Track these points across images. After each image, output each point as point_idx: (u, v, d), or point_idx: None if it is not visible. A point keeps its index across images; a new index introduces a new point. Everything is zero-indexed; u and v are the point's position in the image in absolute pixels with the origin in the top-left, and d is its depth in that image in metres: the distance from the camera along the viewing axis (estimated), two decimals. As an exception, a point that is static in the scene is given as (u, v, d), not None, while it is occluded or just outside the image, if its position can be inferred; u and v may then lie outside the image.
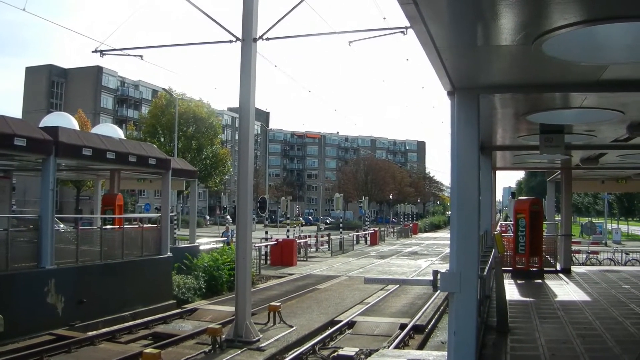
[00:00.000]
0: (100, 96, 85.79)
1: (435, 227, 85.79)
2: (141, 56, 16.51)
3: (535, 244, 15.18)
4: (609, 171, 17.81)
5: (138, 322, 14.62)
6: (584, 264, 23.71)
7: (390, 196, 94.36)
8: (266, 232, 38.38)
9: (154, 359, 9.96)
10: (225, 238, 33.40)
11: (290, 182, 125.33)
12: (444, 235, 63.25)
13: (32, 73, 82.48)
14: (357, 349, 11.79)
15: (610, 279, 14.86)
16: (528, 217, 15.24)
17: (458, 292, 5.78)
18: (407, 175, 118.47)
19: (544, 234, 16.67)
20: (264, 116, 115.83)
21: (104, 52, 15.67)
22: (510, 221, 28.95)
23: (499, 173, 18.89)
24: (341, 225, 47.58)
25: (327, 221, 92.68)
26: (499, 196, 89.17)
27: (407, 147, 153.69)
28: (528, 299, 12.14)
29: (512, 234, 16.99)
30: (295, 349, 12.15)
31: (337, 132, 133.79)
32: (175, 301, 17.12)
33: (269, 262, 28.99)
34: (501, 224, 36.66)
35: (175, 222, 28.66)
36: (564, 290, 13.26)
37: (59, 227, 16.63)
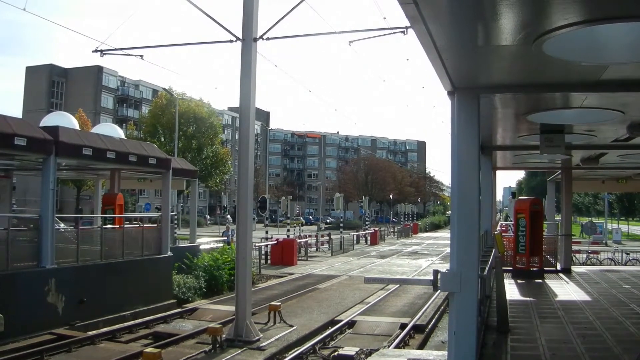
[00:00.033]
0: (100, 96, 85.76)
1: (435, 227, 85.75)
2: (141, 56, 16.51)
3: (535, 244, 15.18)
4: (609, 171, 17.81)
5: (138, 321, 14.62)
6: (584, 263, 23.71)
7: (391, 196, 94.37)
8: (266, 232, 38.38)
9: (154, 358, 9.96)
10: (226, 238, 33.42)
11: (291, 182, 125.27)
12: (444, 235, 63.26)
13: (32, 73, 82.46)
14: (357, 349, 11.78)
15: (610, 279, 14.87)
16: (528, 217, 15.24)
17: (458, 292, 5.78)
18: (408, 175, 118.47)
19: (545, 233, 16.69)
20: (264, 116, 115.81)
21: (104, 52, 15.67)
22: (511, 221, 28.95)
23: (499, 173, 18.91)
24: (341, 224, 47.60)
25: (328, 221, 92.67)
26: (499, 196, 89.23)
27: (407, 147, 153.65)
28: (528, 298, 12.15)
29: (512, 234, 17.00)
30: (296, 349, 12.15)
31: (338, 132, 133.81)
32: (175, 301, 17.12)
33: (269, 261, 28.99)
34: (501, 223, 36.70)
35: (176, 221, 28.69)
36: (564, 290, 13.27)
37: (59, 226, 16.62)
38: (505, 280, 10.51)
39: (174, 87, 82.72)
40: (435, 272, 5.86)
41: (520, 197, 24.05)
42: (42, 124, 16.20)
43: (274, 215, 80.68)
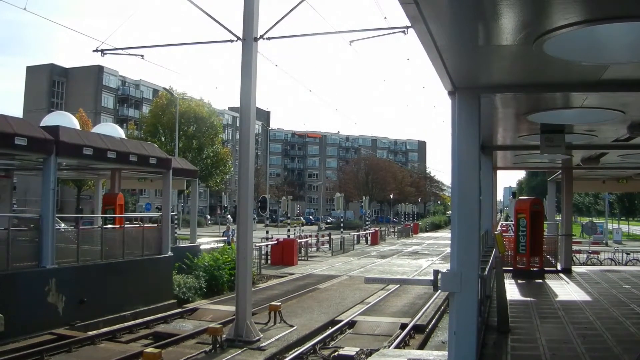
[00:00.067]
0: (101, 95, 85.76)
1: (436, 227, 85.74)
2: (142, 55, 16.54)
3: (536, 244, 15.17)
4: (609, 171, 17.80)
5: (139, 321, 14.63)
6: (584, 263, 23.70)
7: (391, 196, 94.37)
8: (267, 232, 38.38)
9: (154, 358, 9.96)
10: (226, 238, 33.43)
11: (291, 182, 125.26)
12: (445, 235, 63.24)
13: (33, 72, 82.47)
14: (357, 349, 11.78)
15: (610, 279, 14.86)
16: (529, 217, 15.24)
17: (459, 292, 5.78)
18: (408, 175, 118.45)
19: (545, 233, 16.67)
20: (264, 116, 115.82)
21: (104, 52, 15.69)
22: (511, 221, 28.94)
23: (499, 173, 18.92)
24: (342, 224, 47.59)
25: (328, 221, 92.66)
26: (499, 196, 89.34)
27: (407, 147, 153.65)
28: (529, 298, 12.15)
29: (512, 234, 16.98)
30: (296, 349, 12.15)
31: (338, 132, 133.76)
32: (175, 301, 17.13)
33: (269, 261, 29.00)
34: (502, 223, 36.66)
35: (176, 221, 28.68)
36: (564, 290, 13.26)
37: (59, 226, 16.63)
38: (505, 280, 10.51)
39: (175, 86, 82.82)
40: (436, 272, 5.86)
41: (520, 197, 24.04)
42: (42, 124, 16.20)
43: (274, 215, 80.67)
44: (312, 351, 12.01)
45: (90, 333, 12.93)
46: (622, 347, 7.51)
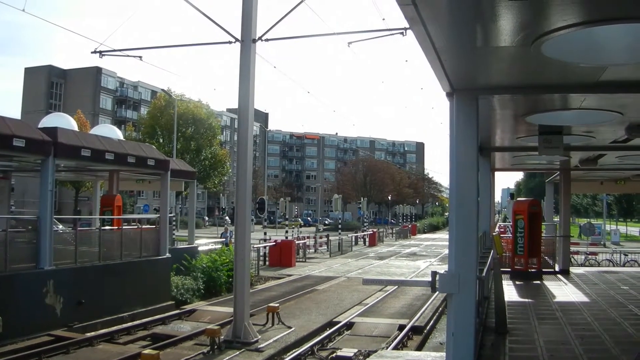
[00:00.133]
0: (99, 97, 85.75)
1: (434, 228, 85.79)
2: (140, 57, 16.49)
3: (533, 245, 15.19)
4: (607, 172, 17.82)
5: (137, 323, 14.61)
6: (582, 265, 23.71)
7: (389, 197, 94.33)
8: (265, 233, 38.37)
9: (152, 359, 9.95)
10: (224, 239, 33.37)
11: (289, 183, 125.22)
12: (443, 236, 63.26)
13: (31, 74, 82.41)
14: (355, 350, 11.78)
15: (608, 280, 14.88)
16: (527, 218, 15.26)
17: (457, 293, 5.78)
18: (406, 176, 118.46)
19: (543, 235, 16.70)
20: (263, 117, 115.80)
21: (103, 53, 15.65)
22: (509, 222, 28.96)
23: (497, 174, 18.91)
24: (340, 226, 47.57)
25: (326, 222, 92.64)
26: (497, 197, 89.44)
27: (406, 148, 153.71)
28: (527, 300, 12.16)
29: (510, 235, 17.01)
30: (294, 350, 12.14)
31: (336, 133, 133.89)
32: (173, 302, 17.11)
33: (267, 263, 28.96)
34: (500, 225, 36.71)
35: (174, 223, 28.67)
36: (562, 291, 13.27)
37: (57, 227, 16.64)
38: (503, 281, 10.51)
39: (173, 88, 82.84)
40: (434, 274, 5.86)
41: (518, 199, 24.08)
42: (40, 125, 16.17)
43: (272, 216, 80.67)
44: (310, 352, 12.00)
45: (88, 334, 12.91)
46: (620, 348, 7.51)
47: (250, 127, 13.66)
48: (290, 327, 14.00)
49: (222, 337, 12.45)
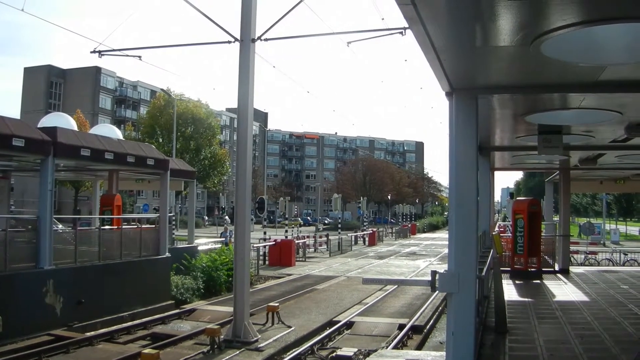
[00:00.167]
0: (98, 97, 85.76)
1: (433, 228, 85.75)
2: (139, 57, 16.49)
3: (533, 245, 15.19)
4: (607, 172, 17.83)
5: (136, 322, 14.61)
6: (582, 264, 23.74)
7: (389, 197, 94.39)
8: (264, 233, 38.37)
9: (152, 359, 9.96)
10: (224, 238, 33.39)
11: (289, 183, 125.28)
12: (443, 235, 63.27)
13: (30, 73, 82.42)
14: (355, 349, 11.79)
15: (608, 279, 14.89)
16: (526, 217, 15.26)
17: (456, 293, 5.78)
18: (406, 176, 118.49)
19: (543, 234, 16.70)
20: (262, 117, 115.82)
21: (102, 53, 15.64)
22: (509, 222, 28.98)
23: (497, 174, 18.92)
24: (339, 225, 47.57)
25: (326, 222, 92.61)
26: (497, 197, 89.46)
27: (405, 148, 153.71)
28: (526, 299, 12.16)
29: (510, 235, 17.01)
30: (294, 350, 12.14)
31: (336, 133, 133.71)
32: (173, 301, 17.11)
33: (267, 262, 28.97)
34: (499, 224, 36.75)
35: (174, 222, 28.66)
36: (562, 290, 13.28)
37: (57, 227, 16.63)
38: (503, 280, 10.52)
39: (172, 87, 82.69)
40: (434, 273, 5.86)
41: (518, 198, 24.08)
42: (40, 125, 16.17)
43: (272, 216, 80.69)
44: (310, 352, 12.01)
45: (88, 334, 12.91)
46: (620, 348, 7.52)
47: (250, 126, 13.66)
48: (290, 327, 14.00)
49: (222, 337, 12.45)
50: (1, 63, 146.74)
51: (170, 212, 22.16)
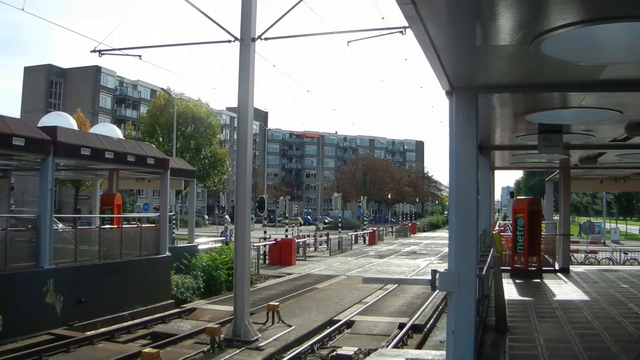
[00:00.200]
0: (98, 96, 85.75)
1: (433, 227, 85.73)
2: (140, 56, 16.51)
3: (533, 244, 15.19)
4: (607, 171, 17.82)
5: (137, 321, 14.62)
6: (582, 263, 23.75)
7: (389, 196, 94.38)
8: (265, 232, 38.36)
9: (152, 358, 9.96)
10: (224, 238, 33.40)
11: (289, 182, 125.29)
12: (443, 234, 63.28)
13: (30, 73, 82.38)
14: (355, 349, 11.78)
15: (608, 279, 14.88)
16: (526, 216, 15.25)
17: (457, 292, 5.77)
18: (406, 175, 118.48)
19: (543, 233, 16.69)
20: (262, 116, 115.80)
21: (102, 52, 15.65)
22: (509, 221, 28.97)
23: (497, 173, 18.91)
24: (340, 224, 47.55)
25: (326, 221, 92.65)
26: (497, 196, 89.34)
27: (405, 147, 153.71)
28: (527, 298, 12.16)
29: (510, 234, 17.01)
30: (294, 349, 12.16)
31: (336, 132, 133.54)
32: (173, 301, 17.12)
33: (267, 261, 28.98)
34: (500, 223, 36.74)
35: (174, 221, 28.67)
36: (562, 289, 13.28)
37: (57, 226, 16.62)
38: (503, 279, 10.52)
39: (173, 87, 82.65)
40: (434, 272, 5.86)
41: (518, 197, 24.06)
42: (40, 124, 16.18)
43: (272, 215, 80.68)
44: (310, 351, 12.02)
45: (89, 333, 12.92)
46: (620, 347, 7.52)
47: (250, 125, 13.66)
48: (290, 326, 14.00)
49: (222, 336, 12.45)
50: (1, 63, 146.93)
51: (170, 212, 22.17)
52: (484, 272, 7.96)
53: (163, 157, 18.98)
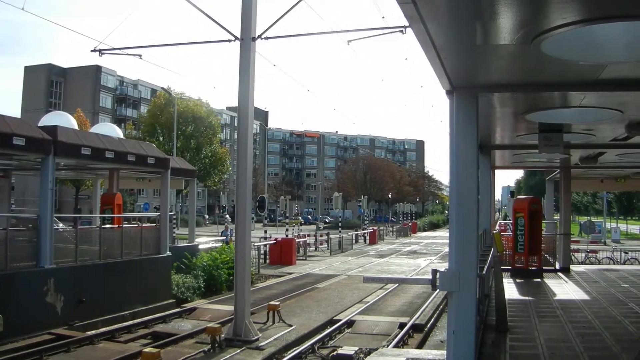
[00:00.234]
0: (99, 95, 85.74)
1: (434, 226, 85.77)
2: (140, 55, 16.51)
3: (534, 243, 15.19)
4: (607, 170, 17.82)
5: (137, 321, 14.62)
6: (583, 263, 23.74)
7: (389, 195, 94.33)
8: (265, 232, 38.33)
9: (153, 358, 9.96)
10: (225, 237, 33.40)
11: (289, 181, 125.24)
12: (443, 234, 63.27)
13: (31, 72, 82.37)
14: (356, 348, 11.79)
15: (609, 278, 14.88)
16: (527, 216, 15.25)
17: (457, 291, 5.77)
18: (406, 174, 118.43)
19: (543, 233, 16.70)
20: (262, 115, 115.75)
21: (102, 52, 15.64)
22: (509, 220, 28.97)
23: (498, 172, 18.90)
24: (340, 224, 47.54)
25: (326, 220, 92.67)
26: (498, 195, 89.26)
27: (406, 146, 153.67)
28: (527, 298, 12.16)
29: (511, 233, 17.01)
30: (295, 348, 12.15)
31: (336, 131, 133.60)
32: (174, 300, 17.12)
33: (268, 261, 28.99)
34: (500, 223, 36.73)
35: (174, 221, 28.67)
36: (563, 289, 13.28)
37: (58, 226, 16.62)
38: (504, 279, 10.52)
39: (173, 86, 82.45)
40: (434, 272, 5.85)
41: (518, 197, 24.07)
42: (40, 124, 16.19)
43: (272, 214, 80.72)
44: (310, 350, 12.01)
45: (89, 333, 12.92)
46: (621, 346, 7.52)
47: (250, 125, 13.66)
48: (290, 325, 14.00)
49: (223, 336, 12.45)
50: (1, 62, 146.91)
51: (170, 211, 22.16)
52: (484, 272, 7.96)
53: (163, 157, 18.98)
